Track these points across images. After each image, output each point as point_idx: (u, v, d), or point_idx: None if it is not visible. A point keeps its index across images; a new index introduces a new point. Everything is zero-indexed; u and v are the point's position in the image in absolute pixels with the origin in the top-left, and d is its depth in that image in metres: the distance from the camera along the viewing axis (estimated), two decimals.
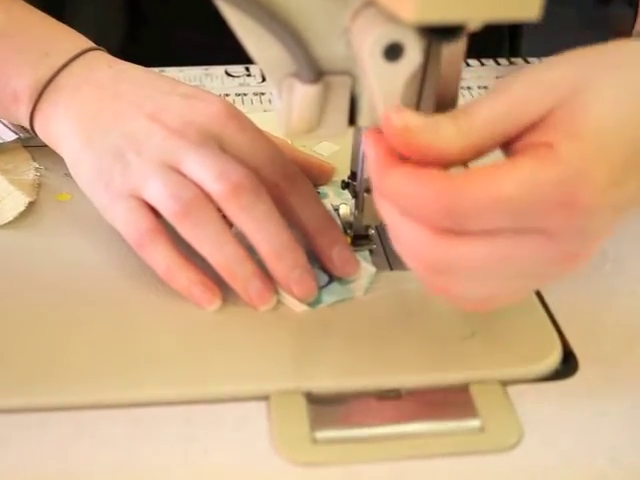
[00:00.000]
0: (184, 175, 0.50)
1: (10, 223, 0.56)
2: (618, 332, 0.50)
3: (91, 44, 0.59)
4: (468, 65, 0.79)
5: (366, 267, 0.52)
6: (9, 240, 0.55)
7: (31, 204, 0.57)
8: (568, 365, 0.48)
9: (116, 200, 0.51)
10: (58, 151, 0.57)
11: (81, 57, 0.57)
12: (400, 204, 0.40)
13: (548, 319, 0.50)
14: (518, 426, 0.44)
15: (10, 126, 0.64)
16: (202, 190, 0.49)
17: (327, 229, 0.52)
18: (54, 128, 0.56)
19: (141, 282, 0.52)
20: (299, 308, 0.50)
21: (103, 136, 0.53)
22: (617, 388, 0.46)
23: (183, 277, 0.50)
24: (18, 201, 0.57)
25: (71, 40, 0.59)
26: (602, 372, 0.47)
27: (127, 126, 0.53)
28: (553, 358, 0.48)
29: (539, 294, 0.52)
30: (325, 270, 0.52)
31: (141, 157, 0.51)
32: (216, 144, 0.51)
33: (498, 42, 0.93)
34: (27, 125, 0.58)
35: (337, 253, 0.51)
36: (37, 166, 0.62)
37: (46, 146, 0.59)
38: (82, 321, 0.49)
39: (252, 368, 0.47)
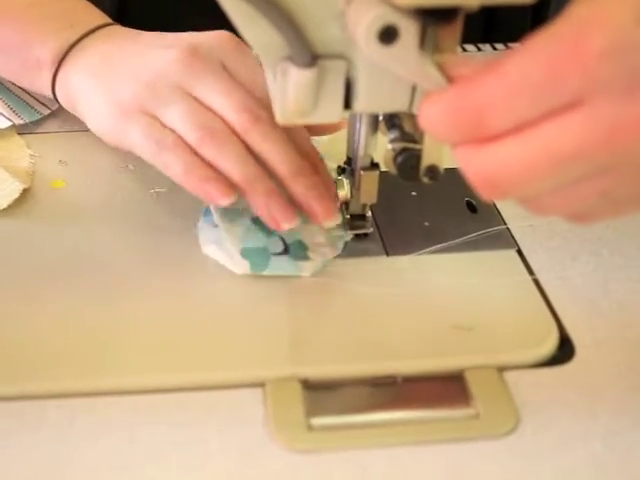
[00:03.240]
0: (199, 100, 0.52)
1: (4, 210, 0.55)
2: (614, 317, 0.50)
3: (112, 21, 0.61)
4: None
5: (324, 252, 0.52)
6: (3, 227, 0.55)
7: (25, 191, 0.57)
8: (564, 351, 0.48)
9: (130, 116, 0.52)
10: (75, 108, 0.58)
11: (104, 29, 0.59)
12: (436, 134, 0.37)
13: (545, 305, 0.50)
14: (514, 412, 0.44)
15: (4, 113, 0.63)
16: (223, 119, 0.51)
17: (313, 157, 0.54)
18: (72, 83, 0.57)
19: (137, 270, 0.52)
20: (241, 270, 0.50)
21: (116, 70, 0.55)
22: (613, 373, 0.46)
23: (198, 174, 0.50)
24: (12, 188, 0.57)
25: (95, 16, 0.61)
26: (598, 358, 0.47)
27: (140, 58, 0.54)
28: (549, 344, 0.48)
29: (536, 281, 0.52)
30: (282, 238, 0.52)
31: (152, 79, 0.53)
32: (222, 67, 0.53)
33: (521, 29, 0.93)
34: (49, 92, 0.59)
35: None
36: (31, 153, 0.61)
37: (40, 133, 0.59)
38: (77, 308, 0.49)
39: (248, 355, 0.47)
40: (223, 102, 0.51)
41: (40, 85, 0.60)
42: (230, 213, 0.53)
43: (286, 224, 0.50)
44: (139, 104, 0.52)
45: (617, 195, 0.38)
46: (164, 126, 0.52)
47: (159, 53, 0.54)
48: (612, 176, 0.36)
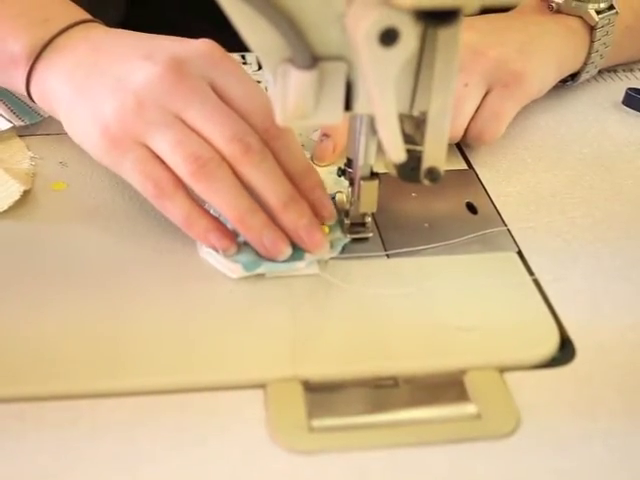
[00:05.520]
0: (187, 124, 0.51)
1: (5, 212, 0.56)
2: (615, 319, 0.50)
3: (89, 16, 0.59)
4: None
5: (321, 252, 0.52)
6: (4, 229, 0.55)
7: (26, 193, 0.57)
8: (565, 352, 0.48)
9: (122, 146, 0.51)
10: (53, 110, 0.57)
11: (80, 25, 0.58)
12: None
13: (545, 306, 0.50)
14: (515, 413, 0.44)
15: (5, 115, 0.63)
16: (214, 147, 0.50)
17: (309, 173, 0.53)
18: (49, 85, 0.56)
19: (138, 272, 0.52)
20: (236, 273, 0.51)
21: (96, 80, 0.53)
22: (614, 375, 0.46)
23: (202, 224, 0.51)
24: (13, 190, 0.57)
25: (70, 10, 0.60)
26: (599, 359, 0.47)
27: (120, 67, 0.53)
28: (550, 345, 0.48)
29: (537, 282, 0.52)
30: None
31: (138, 99, 0.51)
32: (208, 84, 0.52)
33: None
34: (23, 89, 0.58)
35: (317, 197, 0.53)
36: (32, 155, 0.61)
37: (41, 135, 0.59)
38: (78, 310, 0.49)
39: (249, 357, 0.47)
40: (213, 130, 0.50)
41: (15, 81, 0.58)
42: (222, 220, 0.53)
43: (280, 256, 0.51)
44: (127, 129, 0.51)
45: None
46: (155, 157, 0.51)
47: (141, 67, 0.52)
48: None
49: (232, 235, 0.52)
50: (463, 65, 0.60)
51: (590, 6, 0.66)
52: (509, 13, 0.68)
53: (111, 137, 0.51)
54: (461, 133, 0.61)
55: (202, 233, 0.51)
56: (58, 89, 0.55)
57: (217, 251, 0.52)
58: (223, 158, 0.50)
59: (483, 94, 0.62)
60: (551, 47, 0.66)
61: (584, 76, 0.70)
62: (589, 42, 0.68)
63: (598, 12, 0.67)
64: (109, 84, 0.52)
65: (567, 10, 0.67)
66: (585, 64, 0.69)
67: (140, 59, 0.53)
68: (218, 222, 0.52)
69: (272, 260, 0.51)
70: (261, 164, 0.50)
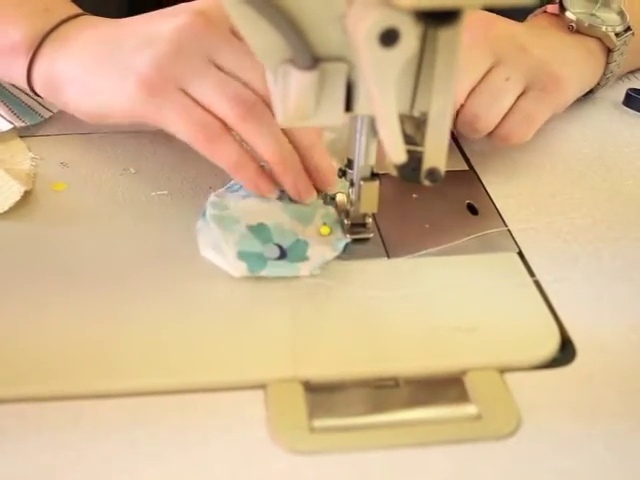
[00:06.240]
0: (224, 70, 0.51)
1: (5, 213, 0.56)
2: (616, 319, 0.50)
3: (88, 13, 0.59)
4: None
5: (324, 251, 0.52)
6: (4, 229, 0.55)
7: (27, 194, 0.57)
8: (566, 353, 0.48)
9: (159, 95, 0.51)
10: (60, 93, 0.56)
11: (82, 17, 0.58)
12: None
13: (546, 306, 0.50)
14: (516, 414, 0.44)
15: (6, 116, 0.63)
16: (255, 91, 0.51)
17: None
18: (56, 69, 0.55)
19: (138, 272, 0.52)
20: (238, 273, 0.51)
21: (119, 45, 0.53)
22: (614, 375, 0.46)
23: (252, 167, 0.53)
24: (14, 190, 0.57)
25: (69, 4, 0.60)
26: (600, 359, 0.47)
27: (145, 27, 0.53)
28: (551, 346, 0.48)
29: (537, 283, 0.52)
30: (279, 245, 0.52)
31: (172, 45, 0.51)
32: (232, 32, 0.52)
33: None
34: (23, 79, 0.57)
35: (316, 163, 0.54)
36: (33, 156, 0.61)
37: (41, 136, 0.58)
38: (78, 310, 0.49)
39: (249, 357, 0.47)
40: (250, 71, 0.51)
41: (15, 70, 0.58)
42: (225, 221, 0.53)
43: (309, 198, 0.54)
44: (165, 75, 0.51)
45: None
46: (197, 103, 0.51)
47: (167, 21, 0.52)
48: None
49: (274, 181, 0.54)
50: (508, 57, 0.59)
51: (605, 28, 0.65)
52: (528, 24, 0.67)
53: (149, 85, 0.51)
54: (492, 127, 0.60)
55: (252, 176, 0.53)
56: (66, 71, 0.55)
57: (257, 193, 0.54)
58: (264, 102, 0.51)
59: (520, 92, 0.60)
60: (575, 63, 0.64)
61: (596, 95, 0.70)
62: (605, 63, 0.67)
63: (616, 34, 0.65)
64: (135, 44, 0.52)
65: (585, 31, 0.65)
66: (599, 84, 0.68)
67: (161, 17, 0.53)
68: (263, 167, 0.53)
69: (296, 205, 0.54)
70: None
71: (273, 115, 0.50)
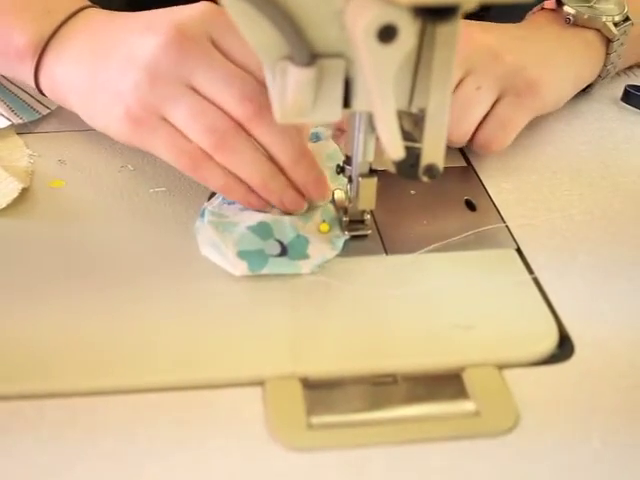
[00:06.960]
0: (199, 92, 0.52)
1: (3, 210, 0.55)
2: (614, 316, 0.50)
3: (89, 3, 0.60)
4: None
5: (323, 250, 0.52)
6: (2, 227, 0.55)
7: (24, 191, 0.57)
8: (564, 349, 0.48)
9: (145, 126, 0.52)
10: (66, 101, 0.57)
11: (81, 12, 0.58)
12: None
13: (544, 303, 0.50)
14: (514, 410, 0.44)
15: (3, 112, 0.63)
16: (228, 114, 0.51)
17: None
18: (59, 77, 0.57)
19: (136, 270, 0.52)
20: (239, 271, 0.51)
21: (105, 63, 0.54)
22: (613, 372, 0.46)
23: (241, 188, 0.53)
24: (11, 187, 0.57)
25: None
26: (598, 356, 0.47)
27: (124, 45, 0.54)
28: (549, 342, 0.48)
29: (536, 280, 0.52)
30: (279, 241, 0.52)
31: (149, 75, 0.52)
32: (210, 42, 0.53)
33: None
34: (32, 82, 0.59)
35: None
36: (30, 153, 0.61)
37: (39, 133, 0.58)
38: (76, 308, 0.49)
39: (248, 354, 0.46)
40: (223, 93, 0.51)
41: (22, 74, 0.59)
42: (224, 225, 0.53)
43: (299, 211, 0.54)
44: (147, 107, 0.52)
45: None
46: (176, 129, 0.52)
47: (143, 41, 0.53)
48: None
49: (265, 198, 0.54)
50: (478, 66, 0.59)
51: (604, 18, 0.65)
52: (525, 24, 0.67)
53: (134, 118, 0.52)
54: (467, 138, 0.60)
55: (243, 195, 0.53)
56: (68, 80, 0.56)
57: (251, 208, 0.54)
58: (237, 122, 0.51)
59: (494, 99, 0.60)
60: (569, 61, 0.65)
61: (597, 88, 0.70)
62: (605, 54, 0.67)
63: (615, 24, 0.66)
64: (118, 65, 0.53)
65: (584, 23, 0.66)
66: (600, 76, 0.68)
67: (141, 32, 0.53)
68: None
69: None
70: (272, 122, 0.50)
71: (248, 139, 0.51)
